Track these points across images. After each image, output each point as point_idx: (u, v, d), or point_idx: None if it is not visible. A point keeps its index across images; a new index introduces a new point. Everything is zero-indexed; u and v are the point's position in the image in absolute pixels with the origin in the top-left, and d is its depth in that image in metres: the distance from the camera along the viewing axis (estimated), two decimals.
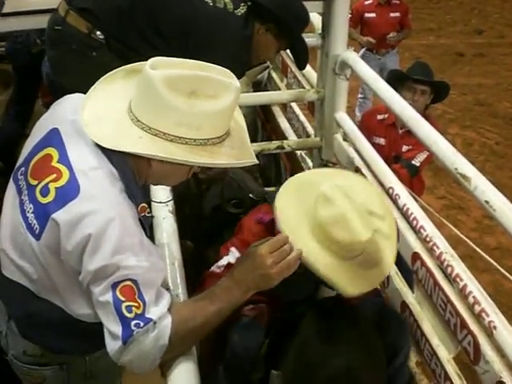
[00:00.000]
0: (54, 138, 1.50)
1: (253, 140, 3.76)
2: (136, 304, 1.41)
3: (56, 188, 1.41)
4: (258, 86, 4.21)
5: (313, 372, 1.81)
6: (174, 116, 1.37)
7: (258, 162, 1.56)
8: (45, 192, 1.43)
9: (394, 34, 6.27)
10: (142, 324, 1.40)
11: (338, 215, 1.78)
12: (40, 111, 4.48)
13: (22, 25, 2.90)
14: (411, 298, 2.38)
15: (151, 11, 2.41)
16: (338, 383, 1.79)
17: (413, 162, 3.42)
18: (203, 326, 1.52)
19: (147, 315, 1.41)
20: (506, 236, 1.79)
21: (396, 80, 3.61)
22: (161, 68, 1.39)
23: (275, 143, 3.32)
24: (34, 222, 1.45)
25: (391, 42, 6.28)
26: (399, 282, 2.47)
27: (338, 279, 1.79)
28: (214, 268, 2.11)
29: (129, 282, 1.40)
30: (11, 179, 1.60)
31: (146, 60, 2.20)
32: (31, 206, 1.46)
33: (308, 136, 3.56)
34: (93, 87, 1.53)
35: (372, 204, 1.88)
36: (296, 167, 3.60)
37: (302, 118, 3.82)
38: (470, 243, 2.31)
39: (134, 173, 1.48)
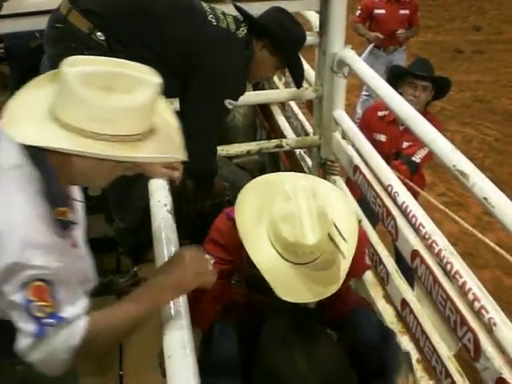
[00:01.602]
0: None
1: (252, 139, 3.79)
2: (47, 303, 1.41)
3: None
4: (256, 85, 4.21)
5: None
6: (89, 111, 1.37)
7: (185, 159, 1.54)
8: None
9: (403, 30, 6.26)
10: (54, 322, 1.41)
11: (290, 212, 1.77)
12: None
13: (19, 26, 2.90)
14: (411, 295, 2.39)
15: (156, 23, 2.44)
16: None
17: (413, 159, 3.41)
18: (120, 328, 1.54)
19: (60, 314, 1.43)
20: (506, 232, 1.78)
21: (397, 76, 3.61)
22: (78, 65, 1.39)
23: (274, 142, 3.32)
24: None
25: (400, 38, 6.26)
26: (399, 279, 2.48)
27: (276, 280, 1.78)
28: None
29: (39, 282, 1.40)
30: None
31: (148, 66, 2.21)
32: None
33: (307, 134, 3.56)
34: (18, 91, 1.51)
35: (337, 220, 1.87)
36: (295, 166, 3.60)
37: (301, 116, 3.82)
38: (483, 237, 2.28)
39: (55, 174, 1.47)
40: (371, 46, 6.38)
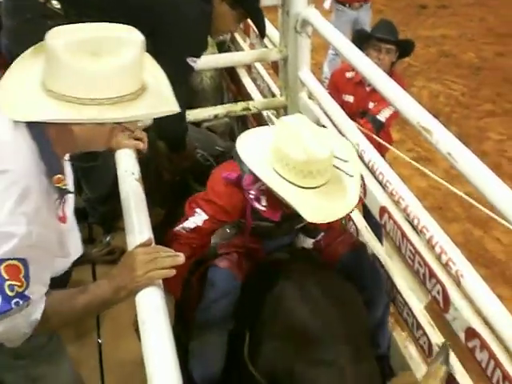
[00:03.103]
0: None
1: (220, 102, 3.78)
2: (19, 283, 1.44)
3: None
4: (221, 47, 4.18)
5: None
6: (80, 78, 1.38)
7: (179, 110, 1.55)
8: None
9: None
10: (20, 302, 1.45)
11: (293, 134, 1.86)
12: None
13: None
14: (380, 250, 2.43)
15: None
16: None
17: (378, 117, 3.45)
18: (70, 313, 1.62)
19: (27, 293, 1.46)
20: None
21: (360, 39, 3.61)
22: (61, 36, 1.40)
23: (241, 105, 3.32)
24: None
25: None
26: (368, 235, 2.52)
27: (302, 206, 1.85)
28: (179, 229, 2.15)
29: (15, 262, 1.43)
30: None
31: None
32: None
33: (274, 96, 3.55)
34: (8, 69, 1.52)
35: (336, 147, 1.96)
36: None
37: (267, 78, 3.80)
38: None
39: (52, 143, 1.49)
40: (335, 3, 6.31)
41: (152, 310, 1.53)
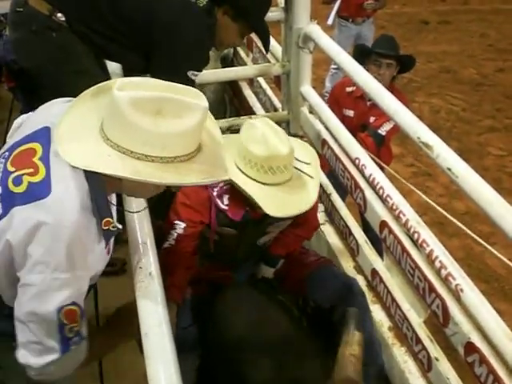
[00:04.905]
0: (43, 135, 1.53)
1: (222, 116, 3.79)
2: (76, 324, 1.51)
3: (29, 182, 1.44)
4: (224, 62, 4.20)
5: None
6: (140, 136, 1.41)
7: (229, 178, 1.61)
8: (17, 182, 1.46)
9: (371, 2, 6.25)
10: (78, 340, 1.53)
11: (258, 135, 1.99)
12: (6, 96, 4.44)
13: None
14: (381, 265, 2.43)
15: (115, 0, 2.42)
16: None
17: (379, 131, 3.47)
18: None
19: (82, 332, 1.54)
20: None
21: (361, 54, 3.63)
22: (127, 89, 1.42)
23: (243, 119, 3.33)
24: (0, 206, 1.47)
25: (368, 9, 6.26)
26: (369, 250, 2.52)
27: (264, 200, 1.97)
28: (166, 245, 2.24)
29: (73, 307, 1.48)
30: None
31: (111, 44, 2.22)
32: (0, 189, 1.48)
33: (275, 110, 3.57)
34: (67, 106, 1.56)
35: (298, 150, 2.14)
36: None
37: (269, 92, 3.83)
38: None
39: (104, 187, 1.52)
40: (337, 17, 6.36)
41: (154, 322, 1.53)
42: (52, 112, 1.61)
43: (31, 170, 1.46)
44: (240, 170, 2.02)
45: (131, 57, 2.58)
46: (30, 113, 1.72)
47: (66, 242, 1.40)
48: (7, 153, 1.55)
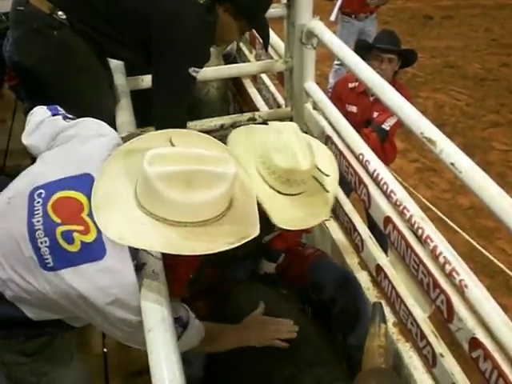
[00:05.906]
0: (85, 185, 1.60)
1: (227, 113, 3.79)
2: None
3: (82, 241, 1.54)
4: (227, 59, 4.20)
5: None
6: (173, 207, 1.48)
7: (258, 233, 1.60)
8: (68, 239, 1.54)
9: None
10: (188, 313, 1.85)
11: (283, 143, 1.90)
12: (8, 95, 4.43)
13: None
14: (385, 260, 2.43)
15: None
16: None
17: (382, 126, 3.46)
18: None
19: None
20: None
21: (363, 50, 3.62)
22: (157, 163, 1.47)
23: (247, 115, 3.33)
24: (49, 257, 1.55)
25: (371, 5, 6.24)
26: (373, 245, 2.52)
27: (273, 209, 1.90)
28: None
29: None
30: (26, 193, 1.65)
31: (112, 42, 2.22)
32: (46, 239, 1.55)
33: (279, 106, 3.57)
34: (104, 165, 1.62)
35: (320, 160, 2.02)
36: None
37: (273, 88, 3.82)
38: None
39: None
40: (340, 14, 6.35)
41: (158, 318, 1.53)
42: (87, 149, 1.71)
43: (82, 228, 1.55)
44: (259, 172, 1.96)
45: (132, 55, 2.59)
46: (60, 122, 1.83)
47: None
48: (44, 192, 1.61)
